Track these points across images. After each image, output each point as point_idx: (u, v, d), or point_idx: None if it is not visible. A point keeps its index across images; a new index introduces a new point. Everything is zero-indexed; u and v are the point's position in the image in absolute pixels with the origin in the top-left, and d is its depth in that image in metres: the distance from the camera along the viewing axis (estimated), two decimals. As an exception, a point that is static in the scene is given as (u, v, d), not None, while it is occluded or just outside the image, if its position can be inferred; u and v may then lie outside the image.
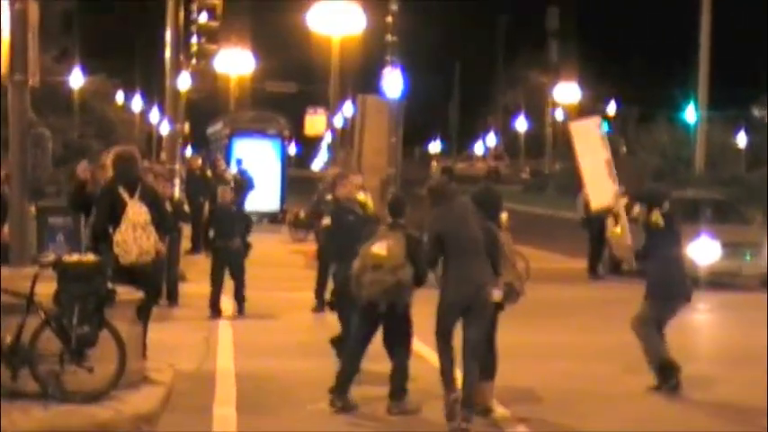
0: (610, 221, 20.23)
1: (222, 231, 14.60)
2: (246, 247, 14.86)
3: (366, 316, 9.30)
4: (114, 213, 9.95)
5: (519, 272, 9.37)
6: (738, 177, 45.94)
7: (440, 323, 8.90)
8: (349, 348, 9.41)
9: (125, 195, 10.03)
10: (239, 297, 14.74)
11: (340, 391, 9.25)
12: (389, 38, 26.45)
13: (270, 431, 8.77)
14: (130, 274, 9.81)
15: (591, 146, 12.20)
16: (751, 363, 11.97)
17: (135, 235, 9.88)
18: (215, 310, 14.52)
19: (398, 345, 9.35)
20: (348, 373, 9.29)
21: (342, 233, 10.59)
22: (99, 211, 10.14)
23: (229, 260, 14.63)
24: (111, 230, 9.92)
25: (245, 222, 15.12)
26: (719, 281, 18.36)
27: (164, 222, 10.35)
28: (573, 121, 13.24)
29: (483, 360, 9.15)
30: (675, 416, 9.28)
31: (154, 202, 10.22)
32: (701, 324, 15.27)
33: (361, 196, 15.77)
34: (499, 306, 9.27)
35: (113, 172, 10.27)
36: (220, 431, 8.71)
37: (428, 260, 9.10)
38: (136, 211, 9.96)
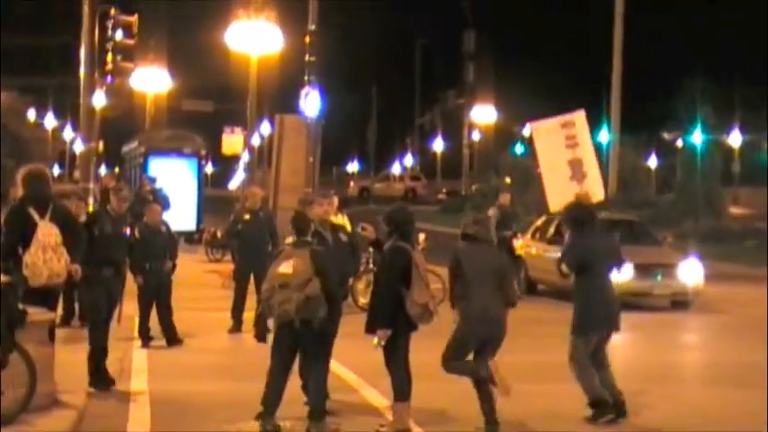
0: (520, 242, 20.42)
1: (152, 253, 13.74)
2: (172, 268, 14.17)
3: (282, 337, 9.26)
4: (24, 234, 9.73)
5: (433, 292, 9.42)
6: (649, 199, 46.85)
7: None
8: (271, 372, 9.35)
9: (35, 215, 9.82)
10: (169, 323, 13.94)
11: (267, 416, 9.19)
12: (308, 58, 26.44)
13: (185, 454, 8.66)
14: (41, 295, 9.63)
15: (552, 147, 12.10)
16: (663, 381, 12.19)
17: (45, 257, 9.67)
18: (145, 338, 13.77)
19: (315, 364, 9.32)
20: (273, 398, 9.22)
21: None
22: (8, 230, 9.86)
23: (159, 283, 13.91)
24: (20, 251, 9.71)
25: (173, 243, 14.43)
26: (632, 301, 18.66)
27: (76, 244, 10.12)
28: (534, 122, 13.16)
29: (398, 381, 9.22)
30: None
31: (66, 222, 10.01)
32: (613, 343, 15.47)
33: (339, 218, 15.71)
34: (413, 326, 9.31)
35: (24, 190, 10.06)
36: (134, 454, 8.58)
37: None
38: (46, 233, 9.75)
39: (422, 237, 9.85)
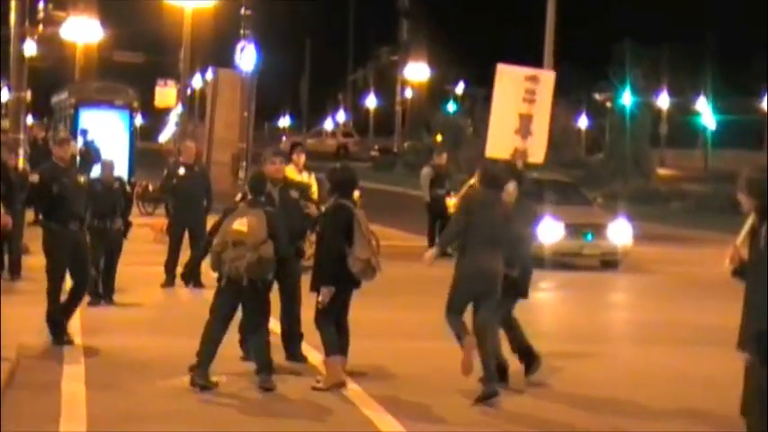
0: (452, 201, 20.59)
1: (102, 210, 12.92)
2: (127, 226, 13.48)
3: (226, 293, 9.28)
4: None
5: (374, 248, 9.50)
6: (579, 160, 47.36)
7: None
8: (209, 326, 9.36)
9: None
10: (111, 284, 13.48)
11: (201, 370, 9.21)
12: (244, 11, 26.18)
13: (120, 408, 8.66)
14: None
15: (510, 95, 12.02)
16: (592, 341, 12.44)
17: None
18: (95, 296, 13.15)
19: (257, 321, 9.36)
20: (209, 351, 9.24)
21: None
22: None
23: (109, 243, 13.21)
24: None
25: (125, 199, 13.67)
26: (562, 261, 18.96)
27: (9, 193, 10.06)
28: (503, 65, 12.97)
29: (327, 336, 9.35)
30: (519, 387, 9.55)
31: (0, 173, 9.93)
32: (543, 303, 15.74)
33: (303, 177, 15.65)
34: (356, 283, 9.39)
35: None
36: (69, 407, 8.55)
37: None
38: None
39: (357, 194, 9.93)
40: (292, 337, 10.27)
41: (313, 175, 16.55)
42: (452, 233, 9.49)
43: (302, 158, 16.03)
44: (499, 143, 12.25)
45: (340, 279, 9.27)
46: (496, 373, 9.18)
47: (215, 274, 9.43)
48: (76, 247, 10.87)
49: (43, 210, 10.99)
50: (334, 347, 9.38)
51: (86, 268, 11.13)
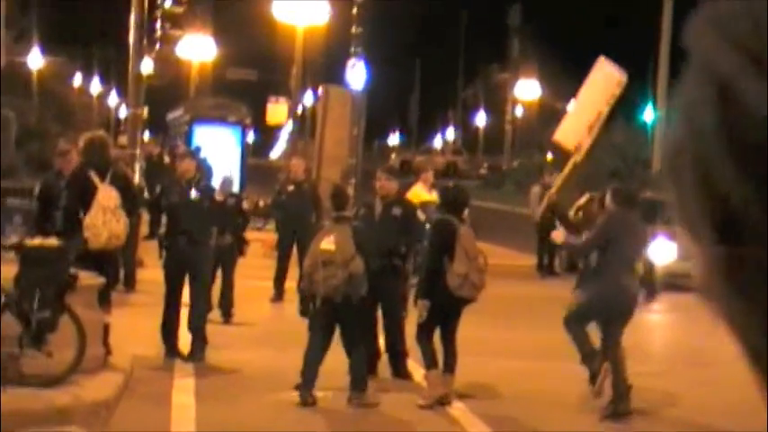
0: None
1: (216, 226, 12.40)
2: (243, 243, 13.34)
3: (322, 312, 9.33)
4: (84, 197, 9.91)
5: (480, 266, 9.48)
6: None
7: None
8: (309, 347, 9.44)
9: (96, 179, 10.00)
10: (228, 302, 13.39)
11: (305, 389, 9.28)
12: (354, 29, 26.43)
13: (228, 420, 8.77)
14: (97, 259, 9.79)
15: (599, 89, 11.99)
16: (704, 363, 12.15)
17: (105, 219, 9.84)
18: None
19: (355, 337, 9.41)
20: (311, 371, 9.31)
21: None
22: (70, 194, 10.06)
23: (221, 258, 12.82)
24: (81, 214, 9.88)
25: (241, 216, 13.48)
26: (676, 282, 18.58)
27: (134, 208, 10.40)
28: (605, 58, 12.90)
29: (425, 351, 9.42)
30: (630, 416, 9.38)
31: (125, 187, 10.24)
32: (656, 325, 15.45)
33: (432, 195, 15.80)
34: (459, 300, 9.38)
35: (84, 156, 10.25)
36: (179, 419, 8.69)
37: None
38: (106, 195, 9.92)
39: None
40: (395, 354, 10.28)
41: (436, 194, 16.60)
42: (590, 248, 9.47)
43: (431, 177, 16.29)
44: (571, 130, 12.00)
45: (437, 294, 9.27)
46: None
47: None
48: (182, 264, 10.91)
49: (159, 224, 11.26)
50: (433, 361, 9.40)
51: (196, 285, 11.03)
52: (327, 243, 9.22)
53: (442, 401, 9.35)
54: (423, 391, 9.54)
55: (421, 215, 15.30)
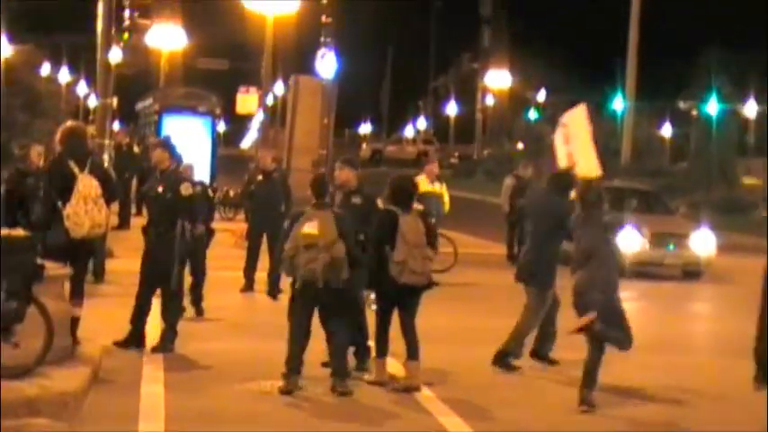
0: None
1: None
2: (210, 234, 13.27)
3: (302, 297, 9.33)
4: (64, 187, 9.83)
5: (429, 254, 9.55)
6: (663, 169, 46.73)
7: None
8: (291, 333, 9.44)
9: (75, 169, 9.93)
10: (198, 295, 13.18)
11: (291, 376, 9.29)
12: (325, 19, 26.38)
13: (197, 409, 8.77)
14: (73, 251, 9.73)
15: (582, 128, 12.83)
16: (672, 349, 12.26)
17: (87, 208, 9.77)
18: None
19: (336, 323, 9.42)
20: (296, 357, 9.32)
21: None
22: (49, 184, 9.95)
23: (191, 250, 12.26)
24: (60, 205, 9.80)
25: (209, 204, 13.36)
26: (643, 271, 18.71)
27: (113, 198, 10.33)
28: (566, 113, 13.80)
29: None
30: (602, 400, 9.44)
31: (104, 176, 10.17)
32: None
33: (435, 187, 15.91)
34: (409, 288, 9.46)
35: (63, 146, 10.16)
36: (148, 409, 8.68)
37: None
38: (87, 184, 9.86)
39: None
40: (355, 344, 10.24)
41: (444, 185, 16.68)
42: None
43: (436, 168, 16.38)
44: (588, 165, 12.76)
45: (384, 283, 9.38)
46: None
47: (290, 279, 9.51)
48: (152, 255, 10.90)
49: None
50: (380, 351, 9.59)
51: (161, 275, 10.87)
52: (310, 227, 9.24)
53: (407, 390, 9.43)
54: (395, 380, 9.63)
55: (418, 206, 15.37)
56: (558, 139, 13.03)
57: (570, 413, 9.04)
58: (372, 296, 10.09)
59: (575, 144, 12.70)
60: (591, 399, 9.07)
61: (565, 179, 10.75)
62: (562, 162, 12.56)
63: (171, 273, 10.79)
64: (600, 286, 9.12)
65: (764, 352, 6.04)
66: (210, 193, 14.45)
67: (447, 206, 16.88)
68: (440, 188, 16.63)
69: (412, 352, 9.57)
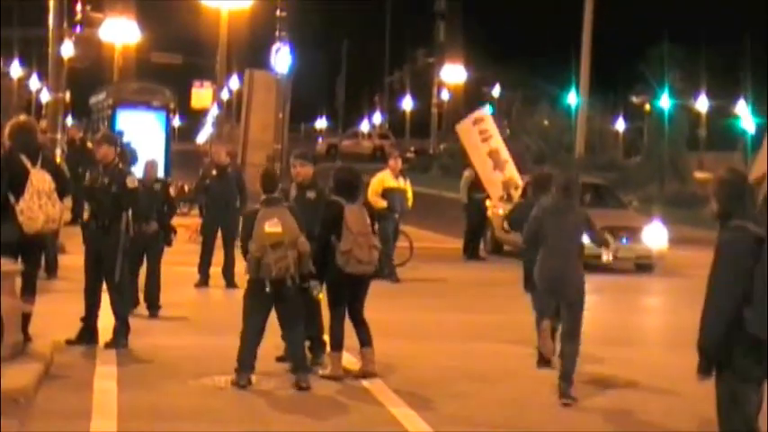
0: (491, 203, 20.84)
1: (139, 212, 11.62)
2: (170, 232, 12.96)
3: (264, 295, 9.27)
4: (15, 182, 9.72)
5: (374, 242, 9.61)
6: (616, 163, 47.11)
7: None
8: (246, 329, 9.41)
9: (27, 164, 9.83)
10: (153, 294, 12.90)
11: (243, 372, 9.29)
12: (279, 13, 26.30)
13: (151, 405, 8.73)
14: (25, 247, 9.64)
15: (473, 144, 12.88)
16: (625, 343, 12.38)
17: (40, 202, 9.68)
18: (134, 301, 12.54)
19: (296, 319, 9.44)
20: (249, 354, 9.32)
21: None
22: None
23: (145, 247, 12.59)
24: (12, 200, 9.68)
25: (167, 203, 13.12)
26: (596, 264, 18.84)
27: (65, 192, 10.23)
28: (458, 124, 14.00)
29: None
30: (553, 393, 9.52)
31: (55, 171, 10.08)
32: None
33: (399, 182, 15.94)
34: (355, 278, 9.50)
35: (12, 141, 10.04)
36: (100, 405, 8.62)
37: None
38: (39, 179, 9.76)
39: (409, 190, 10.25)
40: (310, 338, 10.23)
41: (408, 181, 16.72)
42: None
43: (399, 164, 16.49)
44: (493, 186, 13.10)
45: (331, 273, 9.43)
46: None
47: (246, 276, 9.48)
48: (95, 250, 10.75)
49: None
50: (335, 344, 9.60)
51: (106, 269, 10.71)
52: (273, 226, 9.21)
53: (364, 376, 9.55)
54: (327, 366, 9.74)
55: (382, 201, 15.59)
56: (476, 145, 13.19)
57: (517, 405, 9.10)
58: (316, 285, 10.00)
59: (498, 144, 12.91)
60: (569, 392, 9.18)
61: (547, 179, 10.67)
62: (490, 171, 12.77)
63: (115, 266, 10.63)
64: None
65: (706, 343, 6.11)
66: (171, 190, 14.37)
67: (410, 202, 16.93)
68: (404, 184, 16.64)
69: (365, 339, 9.63)
